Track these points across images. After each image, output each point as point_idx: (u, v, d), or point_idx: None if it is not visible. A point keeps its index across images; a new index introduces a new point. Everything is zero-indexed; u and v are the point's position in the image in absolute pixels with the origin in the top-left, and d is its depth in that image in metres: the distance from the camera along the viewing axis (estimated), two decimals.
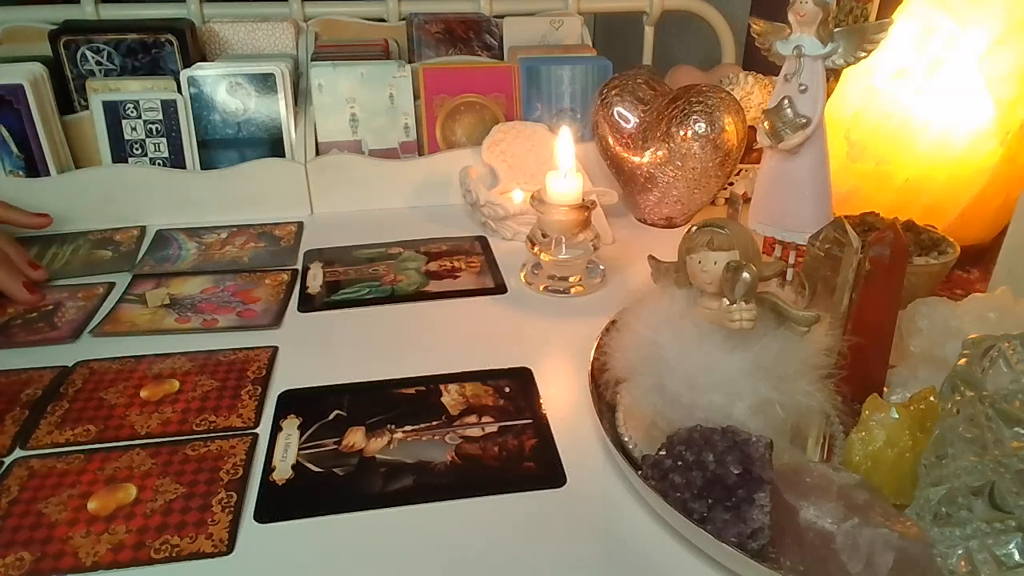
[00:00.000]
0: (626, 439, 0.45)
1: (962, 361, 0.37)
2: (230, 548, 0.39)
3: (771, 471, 0.37)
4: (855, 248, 0.44)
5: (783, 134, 0.55)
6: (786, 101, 0.55)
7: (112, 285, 0.65)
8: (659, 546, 0.40)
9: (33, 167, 0.74)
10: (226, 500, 0.42)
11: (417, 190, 0.81)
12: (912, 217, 0.59)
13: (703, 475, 0.38)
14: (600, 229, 0.67)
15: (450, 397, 0.51)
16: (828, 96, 0.58)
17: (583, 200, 0.62)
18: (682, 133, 0.69)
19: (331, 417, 0.49)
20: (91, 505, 0.42)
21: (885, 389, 0.46)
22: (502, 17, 0.93)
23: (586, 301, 0.64)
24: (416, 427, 0.48)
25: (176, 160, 0.77)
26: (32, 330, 0.58)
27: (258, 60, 0.80)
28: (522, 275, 0.67)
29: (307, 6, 0.93)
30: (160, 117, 0.76)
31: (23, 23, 0.87)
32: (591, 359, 0.50)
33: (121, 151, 0.76)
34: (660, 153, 0.71)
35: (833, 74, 0.60)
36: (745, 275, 0.39)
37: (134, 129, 0.76)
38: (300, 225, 0.77)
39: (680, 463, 0.39)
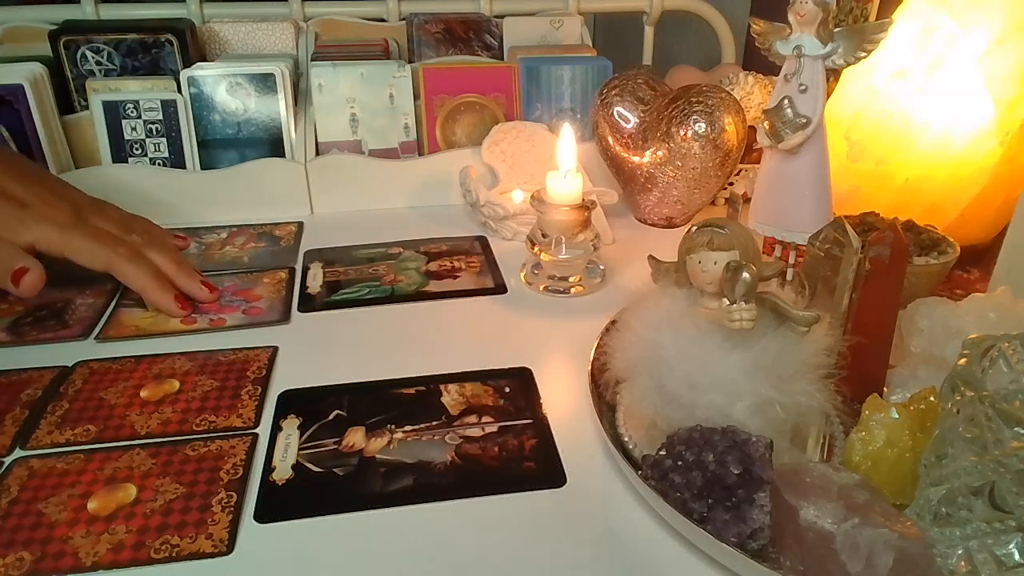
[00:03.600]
0: (626, 439, 0.45)
1: (962, 361, 0.37)
2: (230, 548, 0.39)
3: (771, 471, 0.37)
4: (855, 248, 0.44)
5: (783, 134, 0.55)
6: (786, 101, 0.55)
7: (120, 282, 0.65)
8: (659, 546, 0.40)
9: None
10: (226, 500, 0.42)
11: (417, 190, 0.81)
12: (912, 217, 0.59)
13: (703, 475, 0.38)
14: (600, 229, 0.67)
15: (450, 397, 0.51)
16: (828, 96, 0.58)
17: (583, 200, 0.62)
18: (682, 133, 0.69)
19: (331, 417, 0.49)
20: (91, 505, 0.42)
21: (885, 389, 0.46)
22: (502, 17, 0.93)
23: (586, 301, 0.64)
24: (416, 427, 0.48)
25: (176, 160, 0.77)
26: (44, 328, 0.59)
27: (258, 60, 0.80)
28: (522, 275, 0.67)
29: (307, 6, 0.93)
30: (160, 117, 0.76)
31: (23, 23, 0.87)
32: (591, 359, 0.50)
33: (121, 151, 0.76)
34: (660, 153, 0.71)
35: (833, 74, 0.60)
36: (745, 275, 0.39)
37: (134, 129, 0.76)
38: (300, 225, 0.77)
39: (680, 463, 0.39)
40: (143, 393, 0.51)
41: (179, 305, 0.60)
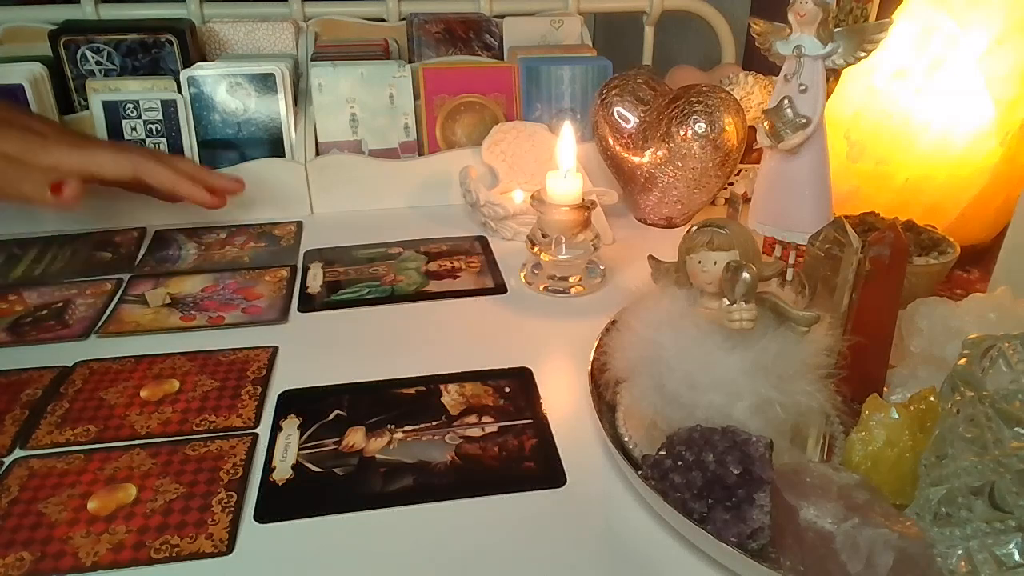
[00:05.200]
0: (626, 439, 0.45)
1: (962, 361, 0.37)
2: (230, 548, 0.39)
3: (771, 471, 0.37)
4: (855, 248, 0.44)
5: (783, 134, 0.55)
6: (786, 101, 0.55)
7: (120, 281, 0.65)
8: (659, 546, 0.40)
9: None
10: (226, 500, 0.42)
11: (417, 190, 0.81)
12: (912, 217, 0.59)
13: (703, 475, 0.38)
14: (600, 229, 0.67)
15: (450, 397, 0.51)
16: (828, 96, 0.58)
17: (583, 200, 0.62)
18: (682, 133, 0.69)
19: (331, 417, 0.49)
20: (91, 505, 0.42)
21: (885, 389, 0.46)
22: (502, 17, 0.93)
23: (586, 301, 0.64)
24: (416, 427, 0.48)
25: None
26: (43, 328, 0.59)
27: (258, 60, 0.80)
28: (522, 275, 0.67)
29: (307, 6, 0.93)
30: (160, 117, 0.76)
31: (23, 23, 0.87)
32: (591, 359, 0.50)
33: None
34: (660, 153, 0.71)
35: (833, 74, 0.60)
36: (745, 275, 0.39)
37: (134, 129, 0.76)
38: (300, 225, 0.77)
39: (680, 463, 0.39)
40: (143, 393, 0.51)
41: (212, 196, 0.65)
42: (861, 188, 0.69)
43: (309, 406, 0.50)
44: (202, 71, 0.77)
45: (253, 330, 0.59)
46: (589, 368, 0.49)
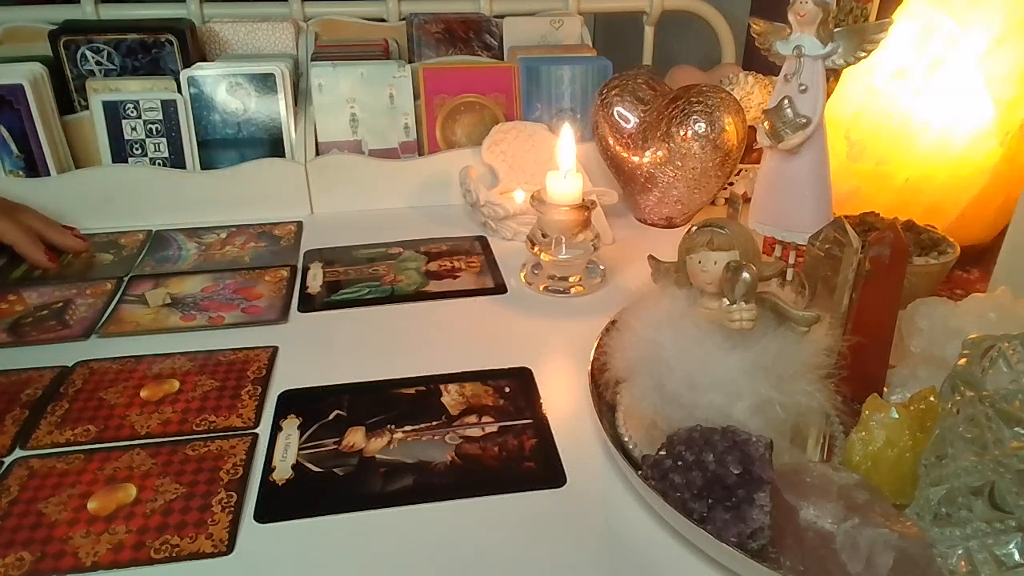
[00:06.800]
0: (626, 439, 0.45)
1: (962, 361, 0.37)
2: (230, 548, 0.39)
3: (771, 471, 0.37)
4: (855, 248, 0.44)
5: (783, 134, 0.55)
6: (786, 101, 0.55)
7: (120, 281, 0.65)
8: (659, 546, 0.40)
9: (33, 167, 0.74)
10: (226, 500, 0.42)
11: (417, 190, 0.81)
12: (912, 217, 0.59)
13: (703, 475, 0.38)
14: (600, 229, 0.67)
15: (450, 397, 0.51)
16: (828, 96, 0.58)
17: (583, 200, 0.62)
18: (682, 133, 0.69)
19: (331, 417, 0.49)
20: (91, 505, 0.42)
21: (885, 389, 0.46)
22: (502, 17, 0.93)
23: (586, 301, 0.64)
24: (416, 427, 0.48)
25: (176, 160, 0.77)
26: (43, 328, 0.59)
27: (258, 60, 0.80)
28: (522, 275, 0.67)
29: (307, 6, 0.93)
30: (160, 117, 0.76)
31: (23, 23, 0.87)
32: (591, 359, 0.50)
33: (121, 151, 0.76)
34: (660, 153, 0.71)
35: (833, 74, 0.60)
36: (745, 275, 0.39)
37: (134, 129, 0.76)
38: (300, 225, 0.77)
39: (680, 463, 0.39)
40: (143, 393, 0.51)
41: (49, 258, 0.66)
42: (861, 188, 0.69)
43: (309, 406, 0.50)
44: (202, 71, 0.77)
45: (253, 330, 0.59)
46: (589, 368, 0.49)
